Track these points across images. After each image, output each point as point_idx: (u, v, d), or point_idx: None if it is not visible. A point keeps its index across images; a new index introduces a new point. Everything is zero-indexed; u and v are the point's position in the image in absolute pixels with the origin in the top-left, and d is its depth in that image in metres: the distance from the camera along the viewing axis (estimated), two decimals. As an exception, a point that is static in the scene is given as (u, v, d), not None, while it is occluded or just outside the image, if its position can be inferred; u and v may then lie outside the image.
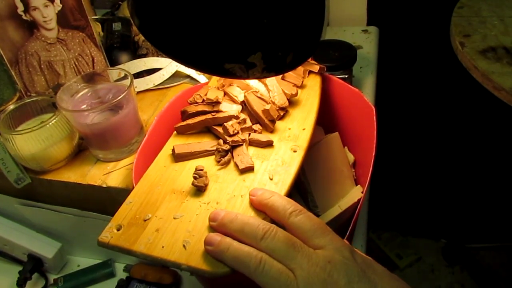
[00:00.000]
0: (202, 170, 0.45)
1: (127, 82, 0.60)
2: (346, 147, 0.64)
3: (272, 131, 0.51)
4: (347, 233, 0.50)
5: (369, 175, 0.52)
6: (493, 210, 1.48)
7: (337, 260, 0.35)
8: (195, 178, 0.45)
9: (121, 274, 0.71)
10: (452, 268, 1.54)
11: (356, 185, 0.61)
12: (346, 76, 0.78)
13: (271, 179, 0.45)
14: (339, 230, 0.58)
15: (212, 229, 0.40)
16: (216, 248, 0.37)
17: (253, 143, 0.49)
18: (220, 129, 0.50)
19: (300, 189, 0.59)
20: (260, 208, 0.41)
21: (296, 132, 0.50)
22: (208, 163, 0.48)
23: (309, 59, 0.60)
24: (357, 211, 0.51)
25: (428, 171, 1.48)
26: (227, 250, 0.36)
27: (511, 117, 1.15)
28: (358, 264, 0.35)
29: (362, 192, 0.58)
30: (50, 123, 0.58)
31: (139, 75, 0.76)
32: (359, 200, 0.57)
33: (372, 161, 0.52)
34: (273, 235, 0.36)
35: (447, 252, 1.57)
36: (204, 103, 0.53)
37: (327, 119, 0.64)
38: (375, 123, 0.55)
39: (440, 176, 1.48)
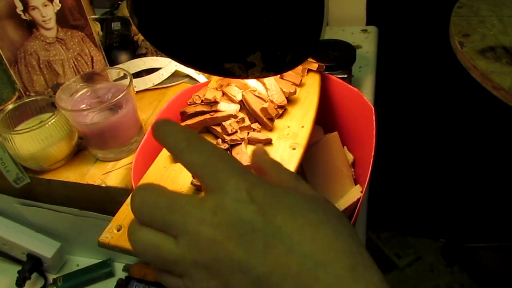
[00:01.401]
0: (201, 169, 0.45)
1: (126, 81, 0.60)
2: (345, 146, 0.64)
3: (271, 129, 0.51)
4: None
5: (368, 174, 0.52)
6: (492, 209, 1.48)
7: (225, 207, 0.26)
8: (194, 177, 0.45)
9: (120, 274, 0.71)
10: (451, 267, 1.54)
11: (356, 184, 0.61)
12: (346, 76, 0.78)
13: (270, 178, 0.45)
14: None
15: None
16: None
17: (252, 141, 0.49)
18: (218, 129, 0.50)
19: (299, 189, 0.59)
20: (161, 144, 0.31)
21: (295, 130, 0.51)
22: (207, 163, 0.48)
23: (308, 58, 0.60)
24: (356, 211, 0.51)
25: (427, 171, 1.48)
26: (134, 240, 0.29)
27: (510, 116, 1.15)
28: (256, 205, 0.26)
29: (361, 192, 0.58)
30: (49, 123, 0.58)
31: (138, 74, 0.76)
32: (358, 199, 0.57)
33: (371, 160, 0.52)
34: (142, 199, 0.28)
35: (446, 252, 1.57)
36: (203, 103, 0.54)
37: (327, 118, 0.64)
38: (374, 123, 0.55)
39: (439, 175, 1.48)
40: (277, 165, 0.33)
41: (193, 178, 0.45)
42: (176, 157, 0.29)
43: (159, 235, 0.27)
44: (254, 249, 0.25)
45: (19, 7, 0.63)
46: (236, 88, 0.55)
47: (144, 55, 0.79)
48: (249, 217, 0.26)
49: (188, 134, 0.29)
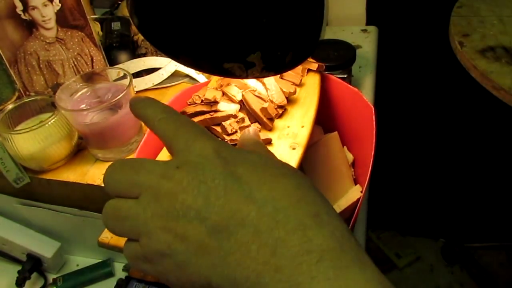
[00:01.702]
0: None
1: (126, 81, 0.60)
2: (345, 146, 0.64)
3: (270, 129, 0.51)
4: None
5: (368, 174, 0.52)
6: (492, 209, 1.48)
7: (189, 162, 0.26)
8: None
9: (120, 274, 0.71)
10: (451, 267, 1.54)
11: (355, 184, 0.61)
12: (345, 76, 0.78)
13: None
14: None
15: None
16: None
17: (252, 142, 0.49)
18: (218, 129, 0.50)
19: (299, 189, 0.59)
20: (138, 118, 0.32)
21: (295, 130, 0.51)
22: (207, 163, 0.48)
23: (308, 58, 0.60)
24: (356, 211, 0.51)
25: (427, 171, 1.48)
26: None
27: (510, 116, 1.15)
28: (221, 160, 0.26)
29: (361, 192, 0.58)
30: (49, 123, 0.58)
31: (138, 74, 0.76)
32: (358, 199, 0.57)
33: (371, 160, 0.52)
34: (110, 169, 0.28)
35: (446, 252, 1.57)
36: (203, 103, 0.54)
37: (326, 118, 0.64)
38: (374, 123, 0.55)
39: (439, 175, 1.48)
40: (258, 144, 0.32)
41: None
42: (151, 127, 0.30)
43: (120, 199, 0.27)
44: (213, 197, 0.25)
45: (19, 7, 0.63)
46: (236, 88, 0.55)
47: (144, 55, 0.79)
48: (210, 168, 0.26)
49: (165, 107, 0.30)
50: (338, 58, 0.77)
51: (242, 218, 0.24)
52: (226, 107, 0.52)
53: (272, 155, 0.31)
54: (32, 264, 0.70)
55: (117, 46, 0.77)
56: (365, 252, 0.24)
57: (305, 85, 0.58)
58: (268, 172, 0.26)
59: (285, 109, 0.53)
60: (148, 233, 0.26)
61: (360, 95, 0.59)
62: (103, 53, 0.72)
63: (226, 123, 0.49)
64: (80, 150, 0.65)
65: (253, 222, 0.24)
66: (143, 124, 0.65)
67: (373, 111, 0.56)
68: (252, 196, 0.25)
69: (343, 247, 0.23)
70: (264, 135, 0.49)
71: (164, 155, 0.50)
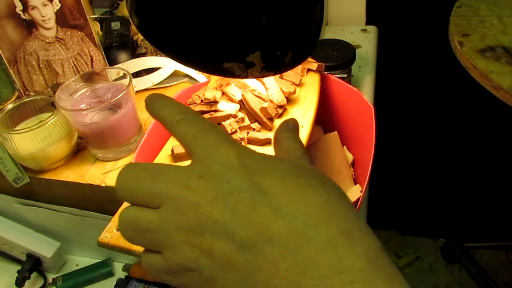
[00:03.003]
0: (200, 169, 0.45)
1: (126, 81, 0.60)
2: (345, 146, 0.64)
3: (270, 129, 0.51)
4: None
5: (368, 174, 0.52)
6: (492, 209, 1.48)
7: (212, 171, 0.25)
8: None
9: (120, 274, 0.71)
10: (451, 267, 1.54)
11: (355, 184, 0.61)
12: (345, 76, 0.78)
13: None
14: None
15: None
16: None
17: (251, 141, 0.49)
18: (218, 128, 0.50)
19: (299, 188, 0.59)
20: (154, 118, 0.31)
21: (294, 131, 0.50)
22: (206, 162, 0.48)
23: (308, 58, 0.60)
24: (356, 210, 0.51)
25: (427, 171, 1.48)
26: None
27: (510, 116, 1.15)
28: (245, 169, 0.25)
29: (361, 191, 0.58)
30: (49, 122, 0.58)
31: (138, 74, 0.76)
32: (358, 199, 0.57)
33: (371, 160, 0.52)
34: (124, 175, 0.27)
35: (446, 251, 1.58)
36: (202, 103, 0.54)
37: (326, 118, 0.64)
38: (374, 123, 0.55)
39: (439, 175, 1.48)
40: (294, 139, 0.31)
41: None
42: (170, 129, 0.29)
43: (137, 208, 0.26)
44: (240, 211, 0.24)
45: (19, 7, 0.63)
46: (235, 87, 0.55)
47: (144, 54, 0.79)
48: (235, 179, 0.25)
49: (184, 107, 0.29)
50: (338, 58, 0.77)
51: (271, 235, 0.23)
52: (225, 107, 0.52)
53: (305, 155, 0.30)
54: (31, 264, 0.70)
55: (116, 46, 0.77)
56: (397, 269, 0.23)
57: (305, 85, 0.58)
58: (296, 183, 0.25)
59: (285, 109, 0.53)
60: (173, 247, 0.25)
61: (359, 95, 0.59)
62: (103, 52, 0.72)
63: (225, 123, 0.49)
64: (79, 150, 0.65)
65: (283, 239, 0.23)
66: (142, 123, 0.65)
67: (373, 111, 0.56)
68: (280, 211, 0.24)
69: (376, 267, 0.22)
70: (263, 135, 0.49)
71: (164, 155, 0.50)
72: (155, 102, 0.30)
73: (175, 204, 0.25)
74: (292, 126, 0.31)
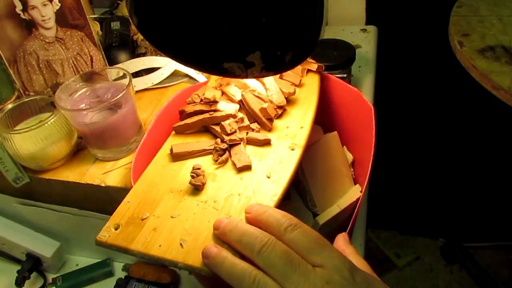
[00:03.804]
0: (199, 169, 0.45)
1: (125, 81, 0.60)
2: (345, 146, 0.64)
3: (270, 129, 0.51)
4: (346, 232, 0.50)
5: (368, 174, 0.52)
6: (492, 209, 1.48)
7: (335, 281, 0.32)
8: (192, 177, 0.45)
9: (119, 273, 0.71)
10: (451, 267, 1.55)
11: (355, 184, 0.61)
12: (345, 76, 0.78)
13: (269, 177, 0.45)
14: (338, 229, 0.58)
15: (216, 237, 0.39)
16: (212, 262, 0.36)
17: (250, 141, 0.49)
18: (217, 128, 0.50)
19: (299, 189, 0.59)
20: (256, 225, 0.38)
21: (294, 131, 0.51)
22: (206, 162, 0.48)
23: (308, 58, 0.60)
24: (356, 210, 0.51)
25: (427, 170, 1.48)
26: (222, 264, 0.35)
27: (509, 116, 1.15)
28: (357, 285, 0.33)
29: (360, 191, 0.58)
30: (49, 122, 0.58)
31: (137, 74, 0.76)
32: (358, 199, 0.57)
33: (371, 160, 0.52)
34: (271, 248, 0.34)
35: (445, 251, 1.58)
36: (202, 102, 0.54)
37: (326, 118, 0.64)
38: (373, 123, 0.55)
39: (439, 175, 1.48)
40: (358, 255, 0.40)
41: (191, 178, 0.45)
42: (278, 236, 0.35)
43: (274, 284, 0.33)
44: None
45: (19, 7, 0.63)
46: (235, 87, 0.55)
47: (144, 54, 0.79)
48: None
49: (291, 217, 0.36)
50: (337, 58, 0.77)
51: None
52: (225, 107, 0.52)
53: (372, 273, 0.37)
54: (31, 264, 0.70)
55: (116, 46, 0.77)
56: None
57: (305, 85, 0.58)
58: None
59: (285, 110, 0.53)
60: None
61: (359, 95, 0.59)
62: (103, 52, 0.72)
63: (225, 123, 0.49)
64: (79, 149, 0.65)
65: None
66: (142, 123, 0.65)
67: (373, 111, 0.56)
68: None
69: None
70: (263, 135, 0.49)
71: (163, 154, 0.50)
72: (262, 213, 0.37)
73: None
74: (348, 239, 0.41)
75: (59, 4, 0.65)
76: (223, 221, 0.38)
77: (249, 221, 0.39)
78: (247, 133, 0.50)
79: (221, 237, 0.38)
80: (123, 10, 0.91)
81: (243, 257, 0.36)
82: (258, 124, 0.51)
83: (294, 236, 0.35)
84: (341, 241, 0.41)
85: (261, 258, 0.34)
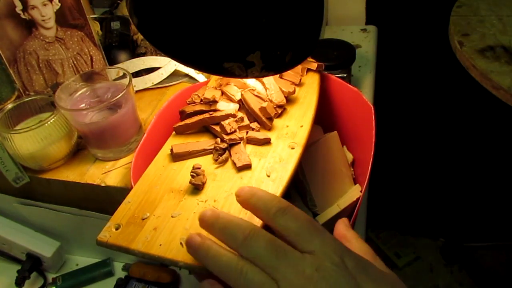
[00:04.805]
0: (199, 168, 0.45)
1: (125, 81, 0.60)
2: (345, 146, 0.64)
3: (269, 129, 0.51)
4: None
5: (368, 174, 0.52)
6: (492, 209, 1.48)
7: (325, 267, 0.31)
8: (192, 176, 0.45)
9: (119, 273, 0.71)
10: (451, 267, 1.55)
11: (355, 184, 0.61)
12: (345, 75, 0.78)
13: (269, 176, 0.45)
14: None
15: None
16: (196, 252, 0.34)
17: (250, 141, 0.49)
18: (217, 128, 0.50)
19: (299, 188, 0.59)
20: (246, 209, 0.37)
21: (294, 130, 0.51)
22: (206, 162, 0.48)
23: (308, 58, 0.60)
24: (355, 210, 0.51)
25: (427, 170, 1.48)
26: (206, 255, 0.34)
27: (509, 116, 1.15)
28: (349, 271, 0.32)
29: (360, 191, 0.58)
30: (49, 122, 0.58)
31: (137, 74, 0.76)
32: (357, 199, 0.57)
33: (371, 160, 0.52)
34: (255, 239, 0.33)
35: (445, 251, 1.58)
36: (202, 102, 0.54)
37: (326, 118, 0.64)
38: (373, 122, 0.55)
39: (439, 175, 1.48)
40: (359, 239, 0.38)
41: (191, 177, 0.45)
42: (267, 221, 0.35)
43: (263, 275, 0.32)
44: None
45: (19, 6, 0.63)
46: (235, 87, 0.55)
47: (144, 54, 0.79)
48: (344, 280, 0.31)
49: (279, 201, 0.35)
50: (337, 58, 0.77)
51: None
52: (225, 107, 0.52)
53: (375, 257, 0.37)
54: (31, 264, 0.70)
55: (116, 46, 0.77)
56: None
57: (305, 84, 0.58)
58: None
59: (284, 109, 0.53)
60: None
61: (359, 95, 0.59)
62: (103, 52, 0.72)
63: (225, 123, 0.49)
64: (79, 149, 0.65)
65: None
66: (142, 123, 0.65)
67: (373, 111, 0.56)
68: None
69: None
70: (263, 134, 0.49)
71: (163, 154, 0.50)
72: (252, 197, 0.36)
73: (290, 284, 0.31)
74: (346, 224, 0.40)
75: (59, 4, 0.65)
76: (206, 214, 0.36)
77: (240, 204, 0.37)
78: (247, 132, 0.50)
79: (206, 228, 0.36)
80: (123, 10, 0.91)
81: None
82: (258, 123, 0.51)
83: (284, 222, 0.34)
84: (342, 226, 0.40)
85: (245, 249, 0.33)
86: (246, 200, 0.36)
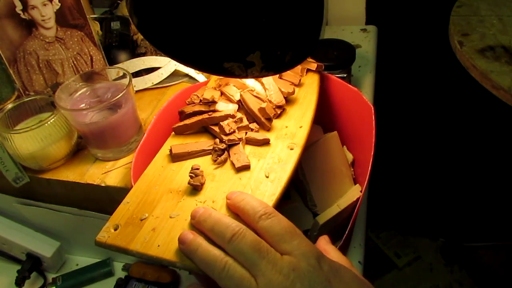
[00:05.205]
0: (198, 169, 0.45)
1: (125, 81, 0.60)
2: (345, 146, 0.64)
3: (269, 129, 0.51)
4: (346, 232, 0.50)
5: (368, 174, 0.52)
6: (492, 209, 1.48)
7: (301, 267, 0.34)
8: (191, 177, 0.45)
9: (119, 273, 0.71)
10: (451, 267, 1.54)
11: (355, 184, 0.61)
12: (345, 75, 0.78)
13: (267, 177, 0.45)
14: (338, 229, 0.58)
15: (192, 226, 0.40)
16: (186, 248, 0.37)
17: (249, 141, 0.49)
18: (216, 129, 0.50)
19: (299, 188, 0.59)
20: (235, 212, 0.40)
21: (293, 130, 0.51)
22: (205, 163, 0.48)
23: (308, 58, 0.60)
24: (355, 210, 0.51)
25: (426, 170, 1.48)
26: (196, 250, 0.36)
27: (509, 116, 1.15)
28: (323, 272, 0.34)
29: (360, 191, 0.58)
30: (49, 122, 0.58)
31: (137, 74, 0.76)
32: (357, 199, 0.57)
33: (371, 160, 0.52)
34: (241, 237, 0.35)
35: (445, 251, 1.58)
36: (201, 103, 0.54)
37: (326, 118, 0.64)
38: (373, 122, 0.55)
39: (439, 175, 1.48)
40: (338, 251, 0.41)
41: (190, 178, 0.45)
42: (252, 223, 0.37)
43: (243, 271, 0.34)
44: None
45: (19, 6, 0.63)
46: (234, 88, 0.55)
47: (144, 54, 0.79)
48: (318, 280, 0.34)
49: (266, 207, 0.38)
50: (337, 58, 0.77)
51: None
52: (224, 107, 0.52)
53: (351, 267, 0.39)
54: (31, 264, 0.70)
55: (116, 46, 0.77)
56: None
57: (304, 85, 0.58)
58: None
59: (284, 109, 0.53)
60: None
61: (359, 95, 0.59)
62: (103, 52, 0.72)
63: (224, 123, 0.49)
64: (79, 149, 0.65)
65: None
66: (142, 123, 0.65)
67: (373, 111, 0.56)
68: None
69: None
70: (262, 135, 0.49)
71: (162, 154, 0.50)
72: (240, 200, 0.39)
73: (270, 283, 0.33)
74: (327, 240, 0.43)
75: (59, 4, 0.65)
76: (199, 211, 0.39)
77: (229, 206, 0.41)
78: (246, 133, 0.50)
79: (196, 226, 0.39)
80: (123, 10, 0.91)
81: (218, 245, 0.37)
82: (257, 124, 0.51)
83: (267, 224, 0.36)
84: (323, 241, 0.43)
85: (231, 247, 0.35)
86: (236, 203, 0.39)
